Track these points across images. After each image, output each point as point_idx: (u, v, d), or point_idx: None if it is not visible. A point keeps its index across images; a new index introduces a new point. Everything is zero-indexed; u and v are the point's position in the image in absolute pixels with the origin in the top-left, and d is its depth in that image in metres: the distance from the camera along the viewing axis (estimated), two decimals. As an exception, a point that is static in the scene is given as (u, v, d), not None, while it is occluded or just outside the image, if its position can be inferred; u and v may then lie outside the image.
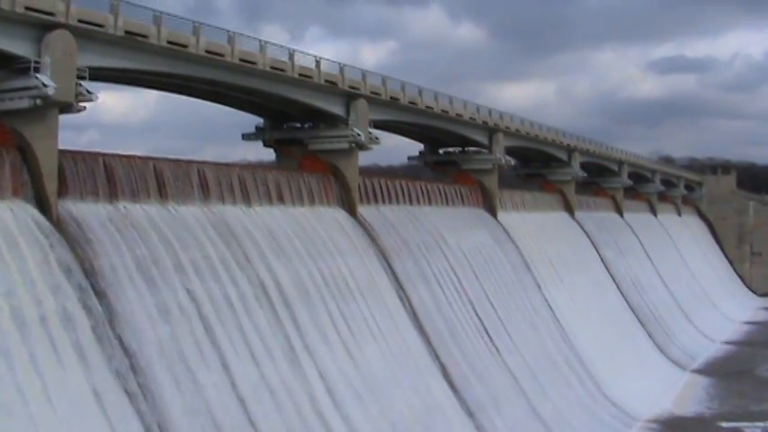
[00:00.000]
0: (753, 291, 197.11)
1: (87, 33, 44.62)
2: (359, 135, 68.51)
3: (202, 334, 44.60)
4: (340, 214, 67.40)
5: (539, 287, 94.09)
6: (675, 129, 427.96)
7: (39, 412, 33.46)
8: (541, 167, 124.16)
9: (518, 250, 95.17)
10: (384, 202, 75.13)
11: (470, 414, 63.16)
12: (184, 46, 51.47)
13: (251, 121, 72.33)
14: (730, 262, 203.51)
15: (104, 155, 47.52)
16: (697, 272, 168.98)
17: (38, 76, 41.36)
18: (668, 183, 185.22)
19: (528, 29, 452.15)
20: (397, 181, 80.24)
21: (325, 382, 51.27)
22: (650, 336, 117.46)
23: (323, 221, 63.94)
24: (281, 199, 61.16)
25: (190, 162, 54.70)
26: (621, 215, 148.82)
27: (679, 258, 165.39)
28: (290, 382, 48.53)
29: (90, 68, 44.76)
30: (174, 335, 42.89)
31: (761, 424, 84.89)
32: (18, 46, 41.82)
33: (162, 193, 49.64)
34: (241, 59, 56.11)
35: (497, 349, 74.87)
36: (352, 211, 68.70)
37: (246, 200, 57.11)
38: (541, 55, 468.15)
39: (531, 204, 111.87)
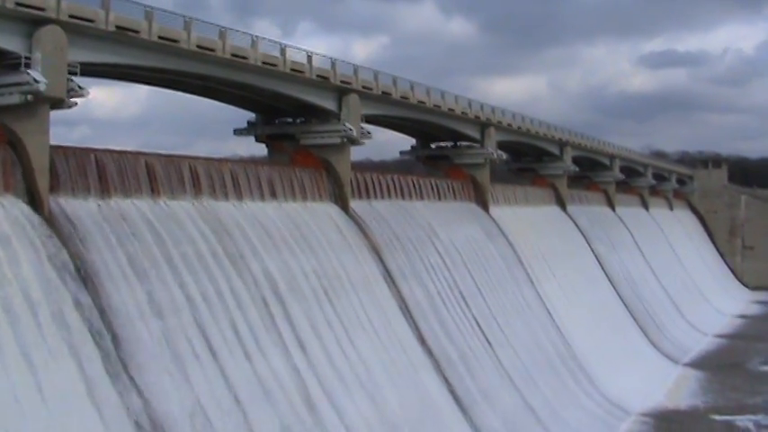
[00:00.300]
0: (744, 284, 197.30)
1: (78, 28, 44.54)
2: (351, 130, 68.47)
3: (194, 329, 44.56)
4: (332, 209, 67.38)
5: (531, 281, 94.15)
6: (667, 123, 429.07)
7: (31, 408, 33.44)
8: (533, 162, 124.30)
9: (510, 245, 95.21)
10: (376, 197, 75.12)
11: (463, 408, 63.17)
12: (176, 41, 51.39)
13: (243, 116, 72.44)
14: (722, 255, 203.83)
15: (96, 150, 47.47)
16: (689, 266, 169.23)
17: (29, 71, 41.32)
18: (660, 177, 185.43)
19: (520, 24, 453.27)
20: (389, 176, 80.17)
21: (318, 376, 51.25)
22: (642, 329, 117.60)
23: (315, 216, 63.90)
24: (272, 194, 61.09)
25: (181, 157, 54.66)
26: (613, 209, 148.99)
27: (671, 252, 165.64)
28: (283, 377, 48.49)
29: (81, 64, 44.72)
30: (166, 330, 42.82)
31: (753, 417, 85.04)
32: (8, 41, 41.77)
33: (153, 189, 49.58)
34: (233, 54, 56.04)
35: (490, 343, 74.90)
36: (344, 205, 68.67)
37: (238, 195, 57.04)
38: (533, 50, 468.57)
39: (523, 199, 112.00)
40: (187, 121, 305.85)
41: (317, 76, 65.11)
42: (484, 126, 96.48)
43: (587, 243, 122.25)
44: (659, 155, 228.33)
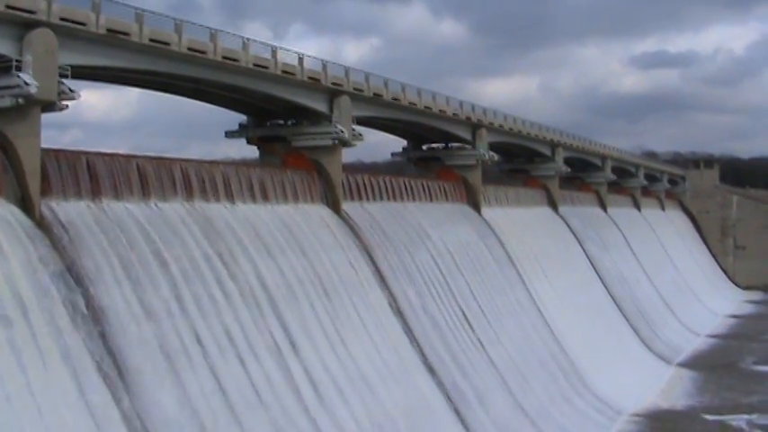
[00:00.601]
0: (736, 284, 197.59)
1: (69, 31, 44.50)
2: (342, 132, 68.50)
3: (187, 332, 44.53)
4: (324, 211, 67.40)
5: (523, 282, 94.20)
6: (658, 123, 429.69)
7: (23, 412, 33.37)
8: (525, 163, 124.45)
9: (502, 246, 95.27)
10: (368, 199, 75.11)
11: (456, 409, 63.23)
12: (167, 44, 51.37)
13: (234, 118, 72.40)
14: (714, 256, 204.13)
15: (87, 153, 47.41)
16: (681, 266, 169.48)
17: (19, 74, 41.23)
18: (652, 177, 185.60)
19: (510, 25, 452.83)
20: (381, 177, 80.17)
21: (311, 379, 51.25)
22: (635, 330, 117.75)
23: (307, 218, 63.91)
24: (264, 196, 61.10)
25: (173, 160, 54.66)
26: (605, 210, 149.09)
27: (663, 253, 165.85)
28: (276, 380, 48.51)
29: (72, 66, 44.62)
30: (159, 333, 42.79)
31: (746, 416, 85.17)
32: (-1, 44, 41.78)
33: (145, 192, 49.52)
34: (224, 57, 56.01)
35: (482, 344, 74.95)
36: (335, 207, 68.68)
37: (230, 197, 57.02)
38: (524, 50, 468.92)
39: (515, 200, 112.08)
40: (178, 123, 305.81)
41: (309, 77, 65.15)
42: (475, 127, 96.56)
43: (579, 244, 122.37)
44: (651, 155, 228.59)
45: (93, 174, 46.26)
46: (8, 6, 40.55)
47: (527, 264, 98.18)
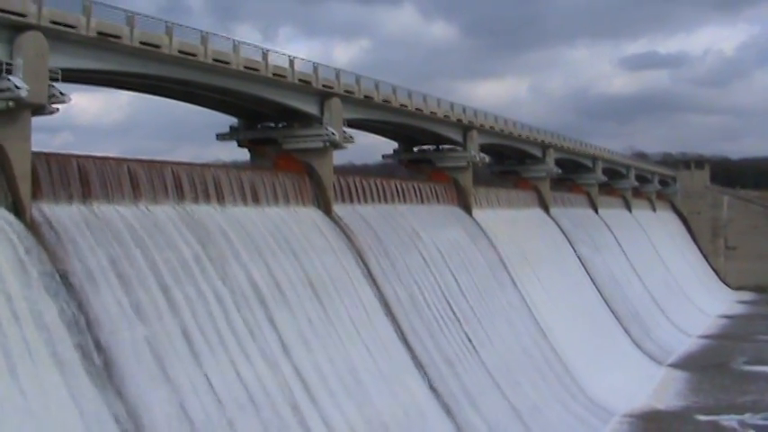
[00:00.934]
0: (727, 284, 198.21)
1: (59, 34, 44.49)
2: (333, 134, 68.56)
3: (178, 334, 44.55)
4: (315, 213, 67.41)
5: (514, 284, 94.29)
6: (649, 124, 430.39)
7: (14, 414, 33.35)
8: (516, 164, 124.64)
9: (493, 247, 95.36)
10: (359, 201, 75.16)
11: (448, 411, 63.30)
12: (157, 46, 51.37)
13: (225, 121, 72.40)
14: (705, 256, 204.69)
15: (78, 156, 47.41)
16: (672, 266, 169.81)
17: (10, 77, 41.14)
18: (642, 178, 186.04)
19: (500, 27, 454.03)
20: (372, 179, 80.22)
21: (302, 380, 51.28)
22: (626, 331, 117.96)
23: (298, 221, 63.93)
24: (255, 199, 61.12)
25: (164, 163, 54.66)
26: (596, 211, 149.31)
27: (654, 253, 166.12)
28: (267, 381, 48.51)
29: (63, 70, 44.61)
30: (150, 336, 42.77)
31: (737, 416, 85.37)
32: (-11, 48, 41.74)
33: (136, 194, 49.52)
34: (214, 59, 56.06)
35: (474, 346, 75.02)
36: (327, 210, 68.71)
37: (221, 200, 57.02)
38: (514, 52, 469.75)
39: (506, 201, 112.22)
40: (169, 126, 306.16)
41: (299, 80, 65.21)
42: (466, 129, 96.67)
43: (570, 245, 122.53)
44: (641, 156, 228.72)
45: (84, 177, 46.24)
46: (-2, 10, 40.58)
47: (518, 265, 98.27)
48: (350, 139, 72.31)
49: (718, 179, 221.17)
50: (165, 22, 52.46)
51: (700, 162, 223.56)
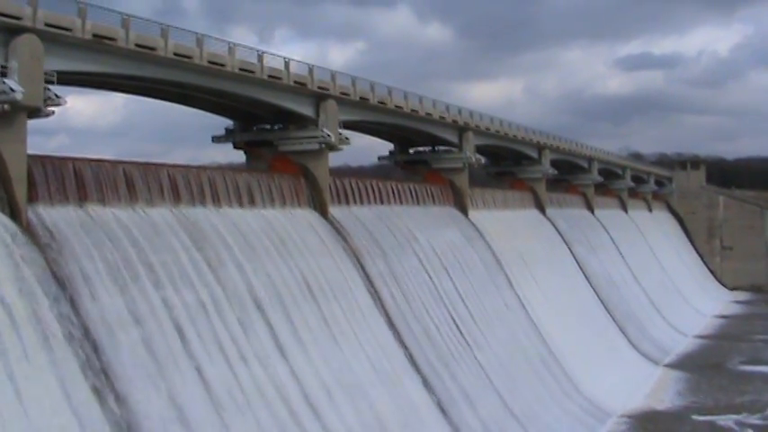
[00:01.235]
0: (723, 284, 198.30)
1: (55, 37, 44.47)
2: (329, 136, 68.54)
3: (174, 337, 44.54)
4: (311, 215, 67.40)
5: (511, 284, 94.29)
6: (644, 125, 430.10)
7: (10, 416, 33.32)
8: (512, 165, 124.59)
9: (490, 248, 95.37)
10: (355, 203, 75.15)
11: (444, 411, 63.28)
12: (153, 49, 51.33)
13: (220, 123, 72.32)
14: (701, 256, 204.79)
15: (74, 159, 47.41)
16: (668, 267, 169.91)
17: (5, 80, 41.13)
18: (638, 179, 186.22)
19: (496, 28, 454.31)
20: (368, 181, 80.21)
21: (299, 383, 51.27)
22: (623, 331, 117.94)
23: (294, 223, 63.93)
24: (251, 201, 61.12)
25: (159, 165, 54.60)
26: (592, 212, 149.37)
27: (650, 254, 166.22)
28: (264, 384, 48.52)
29: (58, 72, 44.66)
30: (146, 338, 42.79)
31: (734, 416, 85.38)
32: (-16, 51, 41.72)
33: (132, 197, 49.54)
34: (210, 62, 56.02)
35: (470, 347, 75.00)
36: (323, 211, 68.69)
37: (217, 202, 57.01)
38: (509, 54, 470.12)
39: (502, 202, 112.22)
40: (165, 128, 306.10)
41: (295, 82, 65.16)
42: (462, 130, 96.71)
43: (567, 246, 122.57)
44: (637, 157, 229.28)
45: (80, 180, 46.27)
46: (-7, 13, 40.57)
47: (514, 266, 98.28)
48: (345, 141, 72.36)
49: (714, 179, 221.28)
50: (161, 24, 52.48)
51: (695, 162, 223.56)
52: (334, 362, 56.25)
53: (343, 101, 71.55)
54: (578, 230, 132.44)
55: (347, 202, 73.83)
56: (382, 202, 79.98)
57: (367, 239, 71.45)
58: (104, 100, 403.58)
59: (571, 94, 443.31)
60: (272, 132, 70.84)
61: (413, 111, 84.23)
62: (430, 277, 77.49)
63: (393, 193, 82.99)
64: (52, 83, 44.18)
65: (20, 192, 41.80)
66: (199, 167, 61.14)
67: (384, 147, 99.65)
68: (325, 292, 60.71)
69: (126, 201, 49.03)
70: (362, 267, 67.73)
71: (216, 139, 72.27)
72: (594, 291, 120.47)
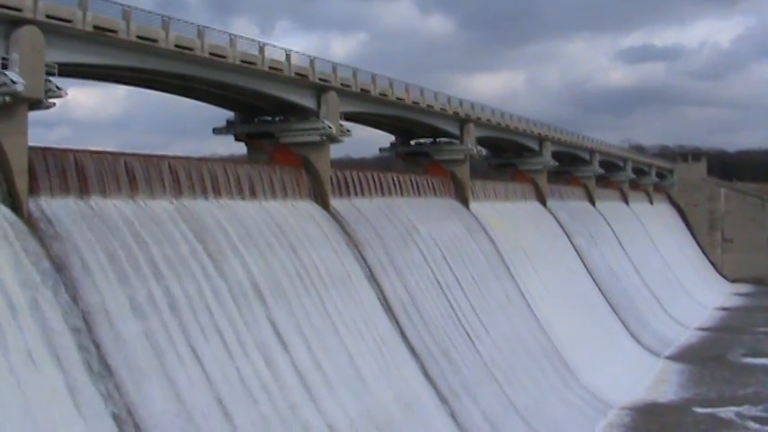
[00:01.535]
0: (724, 277, 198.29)
1: (56, 29, 44.46)
2: (330, 127, 68.52)
3: (176, 329, 44.56)
4: (312, 207, 67.40)
5: (512, 276, 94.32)
6: (646, 117, 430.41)
7: (11, 407, 33.37)
8: (513, 157, 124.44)
9: (490, 240, 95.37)
10: (356, 195, 75.11)
11: (445, 402, 63.34)
12: (154, 41, 51.32)
13: (222, 115, 72.30)
14: (702, 248, 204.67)
15: (75, 151, 47.42)
16: (669, 259, 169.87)
17: (6, 72, 41.15)
18: (639, 171, 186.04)
19: (497, 20, 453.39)
20: (369, 173, 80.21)
21: (301, 374, 51.32)
22: (624, 323, 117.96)
23: (295, 214, 63.93)
24: (252, 193, 61.09)
25: (161, 157, 54.60)
26: (593, 204, 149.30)
27: (651, 246, 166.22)
28: (265, 375, 48.54)
29: (59, 64, 44.67)
30: (148, 330, 42.81)
31: (734, 408, 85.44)
32: (-15, 43, 41.70)
33: (133, 189, 49.53)
34: (211, 53, 55.99)
35: (471, 338, 75.05)
36: (324, 203, 68.69)
37: (218, 194, 56.99)
38: (511, 45, 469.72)
39: (503, 194, 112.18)
40: (166, 120, 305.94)
41: (296, 74, 65.14)
42: (463, 122, 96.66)
43: (568, 238, 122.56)
44: (638, 149, 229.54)
45: (81, 171, 46.27)
46: (-6, 4, 40.55)
47: (515, 258, 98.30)
48: (347, 133, 72.36)
49: (716, 172, 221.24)
50: (162, 16, 52.41)
51: (697, 155, 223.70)
52: (335, 352, 56.30)
53: (345, 92, 71.52)
54: (579, 222, 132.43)
55: (348, 194, 73.80)
56: (383, 194, 79.95)
57: (368, 231, 71.45)
58: (106, 92, 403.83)
59: (573, 86, 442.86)
60: (274, 124, 70.86)
61: (414, 102, 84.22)
62: (431, 269, 77.50)
63: (394, 184, 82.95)
64: (53, 74, 44.19)
65: (21, 183, 41.82)
66: (200, 159, 61.15)
67: (385, 138, 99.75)
68: (327, 284, 60.73)
69: (127, 192, 49.02)
70: (364, 259, 67.74)
71: (217, 131, 72.22)
72: (595, 282, 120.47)
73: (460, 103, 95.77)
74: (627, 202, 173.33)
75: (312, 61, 67.57)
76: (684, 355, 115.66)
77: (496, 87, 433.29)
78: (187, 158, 58.52)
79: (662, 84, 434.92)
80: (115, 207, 47.24)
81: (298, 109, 68.53)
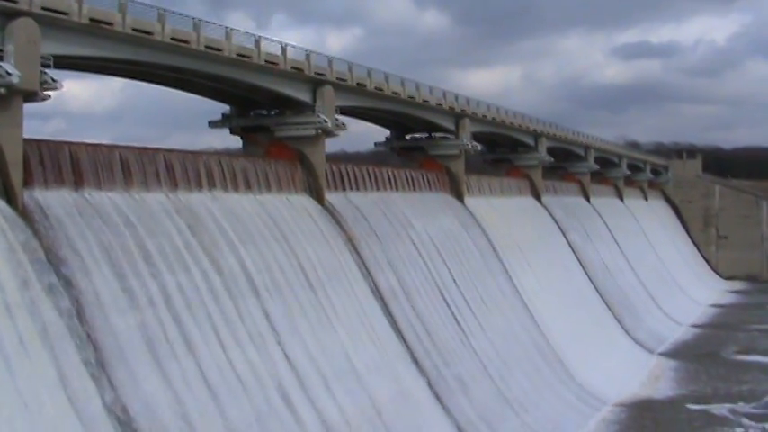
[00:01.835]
0: (718, 274, 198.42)
1: (51, 21, 44.38)
2: (325, 121, 68.50)
3: (170, 322, 44.54)
4: (307, 201, 67.39)
5: (506, 272, 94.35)
6: (641, 114, 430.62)
7: (5, 399, 33.34)
8: (508, 153, 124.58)
9: (485, 235, 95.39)
10: (351, 189, 75.09)
11: (439, 398, 63.41)
12: (150, 33, 51.28)
13: (217, 108, 72.25)
14: (696, 245, 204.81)
15: (70, 143, 47.32)
16: (664, 255, 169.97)
17: (2, 64, 41.04)
18: (634, 167, 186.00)
19: (493, 15, 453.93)
20: (365, 167, 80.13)
21: (294, 369, 51.34)
22: (618, 319, 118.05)
23: (290, 208, 63.91)
24: (247, 186, 61.08)
25: (156, 150, 54.57)
26: (588, 200, 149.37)
27: (646, 242, 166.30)
28: (259, 369, 48.56)
29: (54, 56, 44.58)
30: (142, 323, 42.80)
31: (728, 405, 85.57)
32: (-19, 34, 41.62)
33: (128, 182, 49.47)
34: (207, 47, 55.93)
35: (465, 334, 75.10)
36: (319, 197, 68.68)
37: (213, 187, 56.95)
38: (507, 41, 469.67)
39: (498, 189, 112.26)
40: (162, 113, 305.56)
41: (292, 67, 65.14)
42: (458, 117, 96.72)
43: (562, 233, 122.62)
44: (634, 145, 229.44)
45: (76, 164, 46.20)
46: (-11, -4, 40.48)
47: (510, 253, 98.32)
48: (342, 127, 72.27)
49: (711, 169, 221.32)
50: (158, 8, 52.36)
51: (692, 152, 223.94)
52: (329, 347, 56.32)
53: (340, 87, 71.52)
54: (574, 218, 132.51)
55: (343, 189, 73.78)
56: (378, 189, 79.95)
57: (363, 225, 71.46)
58: (101, 84, 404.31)
59: (568, 83, 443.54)
60: (269, 118, 70.82)
61: (410, 97, 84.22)
62: (425, 264, 77.52)
63: (389, 179, 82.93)
64: (49, 67, 44.11)
65: (16, 176, 41.74)
66: (195, 152, 61.12)
67: (380, 133, 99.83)
68: (321, 278, 60.73)
69: (122, 185, 48.95)
70: (358, 253, 67.76)
71: (212, 125, 72.20)
72: (590, 279, 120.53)
73: (456, 98, 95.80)
74: (622, 199, 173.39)
75: (308, 55, 67.58)
76: (678, 352, 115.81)
77: (492, 83, 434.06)
78: (182, 151, 58.43)
79: (658, 80, 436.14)
80: (110, 200, 47.20)
81: (293, 103, 68.52)
